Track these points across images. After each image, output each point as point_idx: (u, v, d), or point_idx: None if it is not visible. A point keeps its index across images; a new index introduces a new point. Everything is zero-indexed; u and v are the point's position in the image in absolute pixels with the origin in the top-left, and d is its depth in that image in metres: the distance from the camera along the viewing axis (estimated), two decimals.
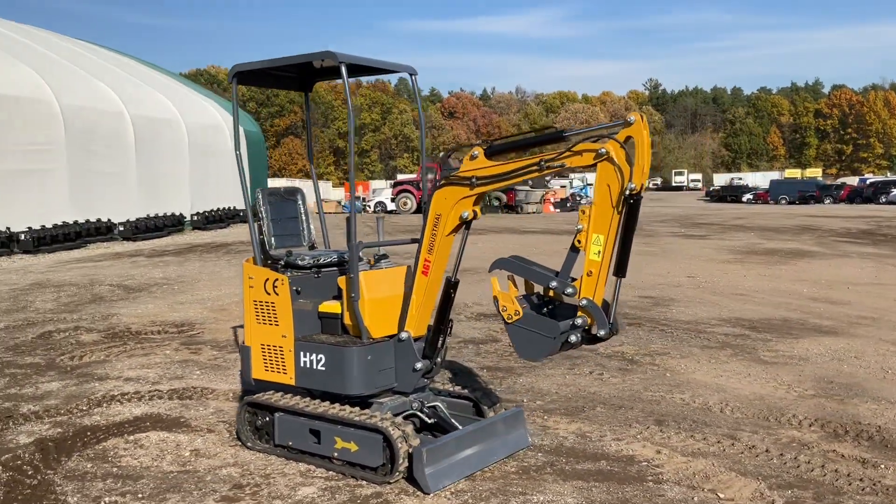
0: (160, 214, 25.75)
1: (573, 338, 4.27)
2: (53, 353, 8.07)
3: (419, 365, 4.78)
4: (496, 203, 43.21)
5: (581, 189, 56.27)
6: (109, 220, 23.19)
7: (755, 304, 10.71)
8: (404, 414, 4.92)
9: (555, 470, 4.70)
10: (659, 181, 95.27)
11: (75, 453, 5.04)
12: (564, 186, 56.13)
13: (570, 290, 4.30)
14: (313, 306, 5.08)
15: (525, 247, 19.67)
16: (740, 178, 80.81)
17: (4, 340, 8.70)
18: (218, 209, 29.27)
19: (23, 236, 19.02)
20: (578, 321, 4.26)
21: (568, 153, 4.25)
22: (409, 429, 4.53)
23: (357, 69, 5.17)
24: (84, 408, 6.07)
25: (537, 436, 5.30)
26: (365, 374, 4.73)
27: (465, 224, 4.68)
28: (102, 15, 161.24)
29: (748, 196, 58.54)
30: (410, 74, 5.43)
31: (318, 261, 5.22)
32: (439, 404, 5.10)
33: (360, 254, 5.37)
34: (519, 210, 42.80)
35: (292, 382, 4.98)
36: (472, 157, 4.60)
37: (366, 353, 4.73)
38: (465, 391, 5.30)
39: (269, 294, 5.07)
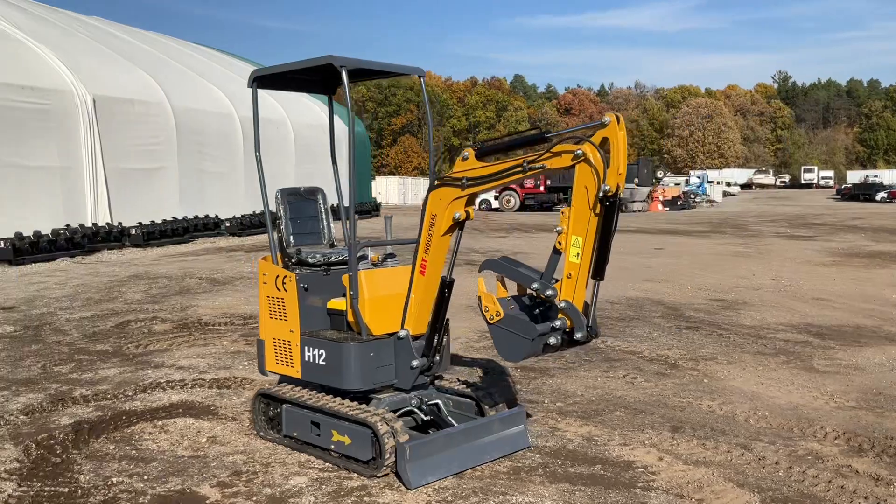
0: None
1: (553, 340, 4.25)
2: (124, 341, 8.63)
3: (415, 363, 4.86)
4: None
5: (698, 187, 54.37)
6: (217, 216, 24.37)
7: (832, 309, 10.16)
8: (402, 411, 5.02)
9: (546, 472, 4.67)
10: (787, 178, 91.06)
11: (104, 436, 5.41)
12: (679, 184, 54.52)
13: (549, 292, 4.28)
14: (322, 303, 5.25)
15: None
16: (875, 176, 75.88)
17: (85, 328, 9.37)
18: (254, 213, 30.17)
19: (133, 231, 20.29)
20: (557, 323, 4.24)
21: (548, 154, 4.23)
22: (398, 424, 4.62)
23: (363, 73, 5.29)
24: (129, 393, 6.48)
25: (543, 437, 5.28)
26: (362, 370, 4.85)
27: (458, 225, 4.73)
28: (211, 16, 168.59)
29: (882, 195, 54.66)
30: (419, 76, 5.51)
31: (328, 258, 5.39)
32: (440, 402, 5.18)
33: (371, 252, 5.53)
34: (623, 208, 41.96)
35: (298, 376, 5.17)
36: (464, 159, 4.64)
37: (363, 350, 4.86)
38: (468, 390, 5.34)
39: (279, 290, 5.28)
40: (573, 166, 4.15)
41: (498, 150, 4.57)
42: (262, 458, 4.95)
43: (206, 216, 23.85)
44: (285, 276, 5.23)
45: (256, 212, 26.38)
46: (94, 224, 19.53)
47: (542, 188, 44.47)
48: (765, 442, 5.16)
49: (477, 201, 48.60)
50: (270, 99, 30.39)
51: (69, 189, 19.92)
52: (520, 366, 7.24)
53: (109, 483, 4.56)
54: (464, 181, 4.58)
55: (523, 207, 44.22)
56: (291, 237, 5.70)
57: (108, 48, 24.96)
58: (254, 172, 24.98)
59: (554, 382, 6.68)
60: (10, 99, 18.45)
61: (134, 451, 5.10)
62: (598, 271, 4.19)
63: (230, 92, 27.79)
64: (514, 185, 44.97)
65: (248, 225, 24.86)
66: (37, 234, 16.97)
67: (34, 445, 5.17)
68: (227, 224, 24.33)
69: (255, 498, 4.33)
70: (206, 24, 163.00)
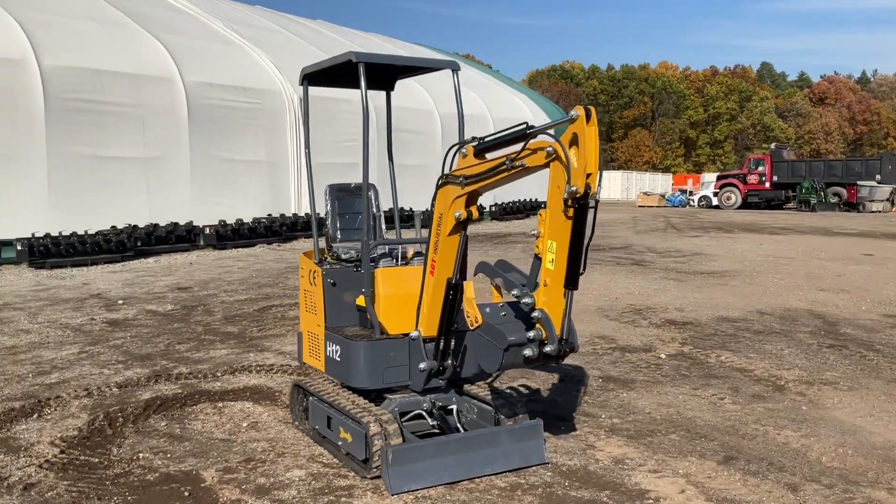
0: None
1: (528, 352, 3.95)
2: (254, 325, 9.21)
3: (423, 365, 4.72)
4: (834, 199, 38.75)
5: None
6: (410, 208, 25.27)
7: None
8: (412, 413, 4.90)
9: (544, 493, 4.36)
10: None
11: (165, 413, 5.82)
12: None
13: (526, 301, 3.97)
14: (353, 299, 5.26)
15: (813, 251, 17.59)
16: None
17: (231, 311, 10.13)
18: (517, 201, 30.26)
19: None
20: (531, 334, 3.93)
21: (527, 151, 3.92)
22: (393, 427, 4.52)
23: (398, 70, 5.21)
24: (219, 374, 6.92)
25: (570, 454, 4.92)
26: (370, 369, 4.81)
27: (461, 225, 4.54)
28: (450, 15, 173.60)
29: None
30: (453, 70, 5.33)
31: (360, 255, 5.39)
32: (458, 408, 5.00)
33: (410, 249, 5.46)
34: (861, 208, 37.92)
35: (323, 369, 5.23)
36: (463, 156, 4.44)
37: (372, 349, 4.81)
38: (488, 398, 5.10)
39: (311, 284, 5.37)
40: (548, 164, 3.81)
41: (492, 147, 4.31)
42: (281, 448, 5.08)
43: (401, 209, 24.76)
44: (314, 271, 5.31)
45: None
46: (293, 214, 21.04)
47: (766, 184, 41.28)
48: (822, 484, 4.44)
49: (696, 197, 46.28)
50: (473, 95, 30.92)
51: (274, 181, 21.61)
52: (606, 375, 6.81)
53: (134, 458, 4.90)
54: (461, 179, 4.38)
55: (746, 205, 41.33)
56: (338, 232, 5.77)
57: (319, 49, 26.70)
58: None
59: (627, 396, 6.20)
60: (226, 99, 20.34)
61: (178, 430, 5.44)
62: (570, 280, 3.81)
63: (432, 89, 28.64)
64: (734, 181, 42.24)
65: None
66: (238, 222, 18.61)
67: (101, 417, 5.68)
68: (421, 217, 25.10)
69: (244, 486, 4.45)
70: (442, 24, 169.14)
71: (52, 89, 16.45)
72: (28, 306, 10.62)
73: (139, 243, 16.41)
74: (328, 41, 29.02)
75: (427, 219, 4.96)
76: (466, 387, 5.22)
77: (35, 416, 5.74)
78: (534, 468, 4.69)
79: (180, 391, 6.38)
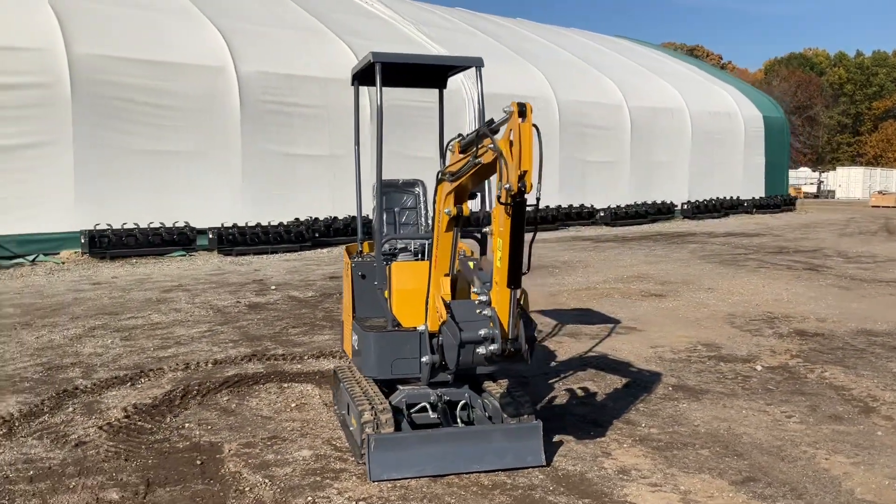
0: (648, 202, 26.54)
1: (481, 350, 3.91)
2: None
3: (425, 359, 4.79)
4: None
5: None
6: (592, 205, 24.89)
7: None
8: (418, 406, 4.98)
9: (523, 495, 4.28)
10: None
11: (234, 389, 6.34)
12: None
13: (482, 298, 3.93)
14: (379, 291, 5.44)
15: None
16: None
17: (329, 302, 10.66)
18: (714, 199, 28.73)
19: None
20: (482, 332, 3.88)
21: (483, 149, 3.87)
22: (386, 417, 4.64)
23: (418, 68, 5.29)
24: (305, 357, 7.39)
25: (577, 459, 4.77)
26: (379, 360, 4.95)
27: (453, 221, 4.56)
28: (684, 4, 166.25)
29: None
30: (476, 67, 5.31)
31: (393, 248, 5.55)
32: (465, 402, 5.01)
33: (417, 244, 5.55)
34: None
35: (350, 357, 5.46)
36: (451, 153, 4.46)
37: (381, 340, 4.95)
38: (497, 396, 5.05)
39: (346, 277, 5.62)
40: (495, 161, 3.75)
41: (469, 144, 4.29)
42: (308, 429, 5.37)
43: (582, 205, 24.50)
44: (347, 264, 5.55)
45: (639, 202, 26.26)
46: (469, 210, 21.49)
47: None
48: None
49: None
50: (667, 87, 29.80)
51: None
52: (678, 383, 6.45)
53: (179, 427, 5.42)
54: (448, 176, 4.41)
55: None
56: (385, 227, 5.96)
57: (508, 48, 26.99)
58: (640, 163, 25.23)
59: (685, 407, 5.84)
60: (410, 100, 21.22)
61: (234, 406, 5.92)
62: (512, 278, 3.72)
63: (622, 83, 27.95)
64: None
65: (622, 216, 24.89)
66: None
67: (180, 389, 6.31)
68: (602, 214, 24.67)
69: (250, 460, 4.78)
70: (672, 13, 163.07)
71: (248, 93, 18.11)
72: (196, 288, 11.86)
73: (317, 234, 17.62)
74: (520, 39, 29.28)
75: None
76: (488, 384, 5.22)
77: (129, 384, 6.49)
78: (529, 469, 4.61)
79: (262, 371, 6.90)
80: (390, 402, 4.93)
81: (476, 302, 4.27)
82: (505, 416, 4.87)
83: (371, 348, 4.97)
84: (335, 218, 18.38)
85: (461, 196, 4.48)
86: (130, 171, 16.55)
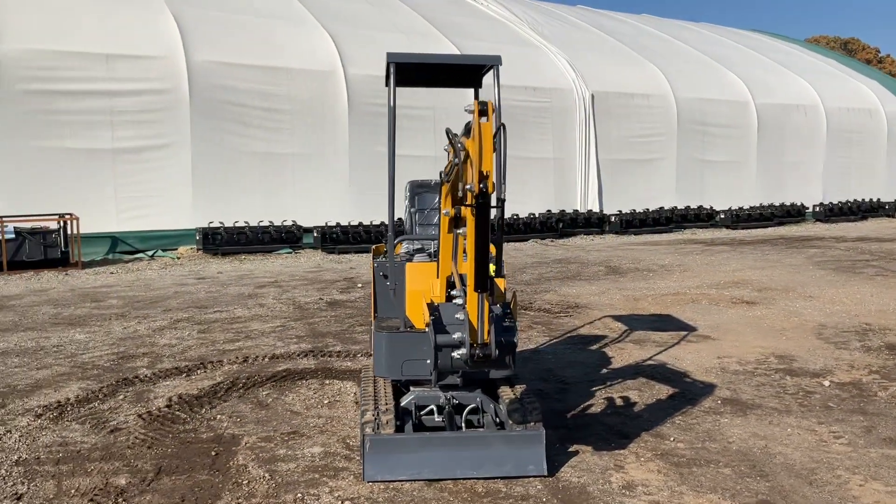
0: (775, 204, 25.16)
1: (456, 354, 3.82)
2: None
3: (430, 361, 4.74)
4: None
5: None
6: (711, 207, 23.85)
7: None
8: (427, 408, 4.93)
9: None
10: None
11: (277, 384, 6.51)
12: None
13: (458, 302, 3.83)
14: (391, 292, 5.43)
15: None
16: None
17: None
18: (850, 201, 26.83)
19: (613, 218, 21.31)
20: (456, 336, 3.79)
21: (454, 148, 3.78)
22: (387, 418, 4.63)
23: (432, 67, 5.23)
24: (358, 356, 7.47)
25: (585, 471, 4.58)
26: (389, 360, 4.95)
27: (452, 222, 4.49)
28: None
29: None
30: (494, 66, 5.18)
31: (409, 250, 5.53)
32: (474, 406, 4.92)
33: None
34: None
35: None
36: (447, 153, 4.39)
37: (391, 340, 4.94)
38: (506, 401, 4.91)
39: (372, 277, 5.64)
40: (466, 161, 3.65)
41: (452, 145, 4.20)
42: (328, 426, 5.43)
43: (700, 207, 23.54)
44: (371, 265, 5.57)
45: (765, 204, 24.96)
46: (573, 210, 21.14)
47: None
48: None
49: None
50: (800, 82, 28.15)
51: (561, 178, 21.91)
52: (730, 398, 6.08)
53: (212, 418, 5.62)
54: (444, 177, 4.35)
55: None
56: (417, 227, 5.95)
57: (621, 43, 26.30)
58: (768, 162, 24.09)
59: (726, 422, 5.48)
60: (515, 99, 21.12)
61: (270, 400, 6.08)
62: (478, 282, 3.60)
63: (750, 79, 26.63)
64: None
65: (744, 218, 23.70)
66: (512, 218, 19.26)
67: (227, 382, 6.54)
68: (722, 216, 23.59)
69: (261, 454, 4.89)
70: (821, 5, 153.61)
71: (356, 96, 18.58)
72: (288, 284, 12.28)
73: None
74: (640, 35, 28.48)
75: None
76: (503, 389, 5.10)
77: (184, 375, 6.80)
78: (530, 479, 4.47)
79: (312, 367, 7.05)
80: (400, 404, 4.92)
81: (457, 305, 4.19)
82: (510, 422, 4.74)
83: (382, 348, 4.97)
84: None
85: (455, 197, 4.40)
86: (243, 171, 17.35)
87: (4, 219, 14.11)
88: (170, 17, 17.38)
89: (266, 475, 4.55)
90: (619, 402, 5.97)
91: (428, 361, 4.69)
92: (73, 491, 4.35)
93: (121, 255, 16.02)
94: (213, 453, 4.92)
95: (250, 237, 16.51)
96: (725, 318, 9.23)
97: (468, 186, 3.49)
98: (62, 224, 14.65)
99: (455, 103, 19.53)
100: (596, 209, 21.79)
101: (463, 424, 4.83)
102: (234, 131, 17.31)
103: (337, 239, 16.79)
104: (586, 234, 20.69)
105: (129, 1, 17.59)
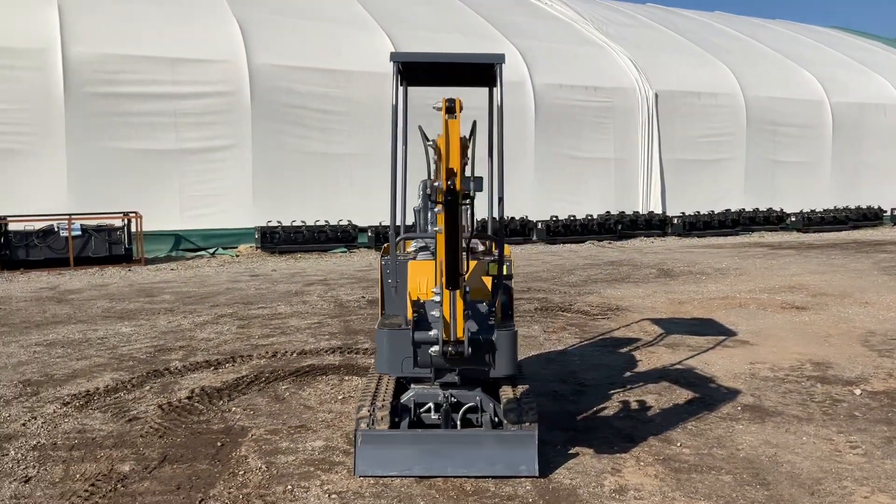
0: (850, 207, 24.21)
1: (431, 350, 3.81)
2: None
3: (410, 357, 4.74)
4: None
5: None
6: (782, 209, 23.12)
7: None
8: (426, 406, 4.93)
9: None
10: None
11: (298, 378, 6.62)
12: None
13: (435, 299, 3.83)
14: (393, 290, 5.44)
15: None
16: None
17: None
18: None
19: (675, 220, 20.87)
20: (431, 333, 3.79)
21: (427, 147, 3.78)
22: (382, 414, 4.66)
23: (439, 67, 5.22)
24: None
25: (580, 474, 4.52)
26: (389, 357, 4.95)
27: None
28: None
29: None
30: (497, 64, 5.14)
31: (417, 247, 5.54)
32: (473, 405, 4.89)
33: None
34: None
35: None
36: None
37: (391, 337, 4.96)
38: (503, 401, 4.87)
39: (379, 275, 5.69)
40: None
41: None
42: (336, 421, 5.50)
43: (769, 209, 22.83)
44: (380, 263, 5.62)
45: (840, 206, 24.05)
46: (633, 212, 20.78)
47: None
48: None
49: None
50: (880, 80, 27.01)
51: (622, 179, 21.58)
52: (751, 405, 5.90)
53: (227, 410, 5.76)
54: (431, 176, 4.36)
55: None
56: (430, 226, 5.96)
57: (690, 41, 25.72)
58: (844, 164, 23.29)
59: (740, 429, 5.31)
60: (575, 99, 20.94)
61: (287, 395, 6.19)
62: (448, 280, 3.58)
63: (825, 77, 25.69)
64: None
65: (817, 221, 22.87)
66: (570, 218, 19.08)
67: (251, 376, 6.69)
68: (793, 219, 22.84)
69: (264, 446, 4.99)
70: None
71: (411, 97, 18.67)
72: (336, 283, 12.48)
73: None
74: (710, 33, 27.81)
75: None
76: (505, 388, 5.07)
77: (212, 368, 6.99)
78: (521, 479, 4.43)
79: (336, 363, 7.15)
80: (400, 401, 4.95)
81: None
82: (505, 421, 4.71)
83: (383, 345, 4.99)
84: (493, 219, 18.48)
85: None
86: (302, 172, 17.70)
87: (72, 217, 14.76)
88: (234, 22, 17.88)
89: (263, 467, 4.65)
90: (634, 405, 5.86)
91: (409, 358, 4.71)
92: (77, 476, 4.53)
93: (183, 252, 16.55)
94: (219, 444, 5.05)
95: (307, 236, 16.82)
96: (770, 323, 8.94)
97: (436, 184, 3.50)
98: (126, 222, 15.24)
99: (505, 104, 19.49)
100: (658, 211, 21.38)
101: (458, 423, 4.82)
102: (293, 133, 17.68)
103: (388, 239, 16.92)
104: (647, 236, 20.31)
105: (195, 6, 18.17)
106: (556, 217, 18.97)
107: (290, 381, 6.55)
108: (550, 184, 20.22)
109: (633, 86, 21.82)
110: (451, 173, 3.45)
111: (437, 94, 5.34)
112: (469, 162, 4.04)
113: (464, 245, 5.00)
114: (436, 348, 3.82)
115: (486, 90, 6.05)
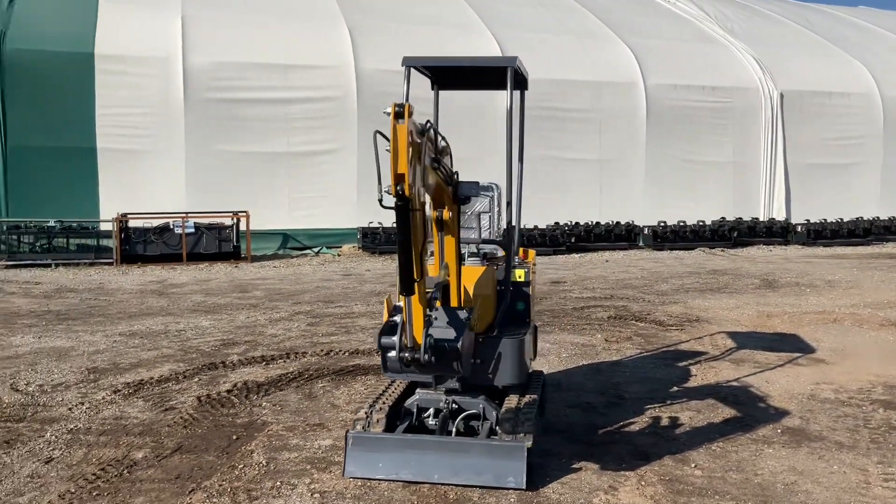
0: None
1: (390, 355, 3.80)
2: (555, 320, 9.48)
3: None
4: None
5: None
6: (840, 219, 21.33)
7: None
8: (430, 410, 4.90)
9: None
10: None
11: (336, 378, 6.74)
12: None
13: (398, 304, 3.80)
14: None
15: None
16: None
17: (558, 307, 10.52)
18: None
19: (799, 228, 19.68)
20: (394, 338, 3.75)
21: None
22: (378, 417, 4.68)
23: (454, 70, 5.17)
24: None
25: (573, 490, 4.36)
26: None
27: (437, 224, 4.45)
28: None
29: None
30: (508, 67, 5.03)
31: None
32: (475, 412, 4.82)
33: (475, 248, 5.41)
34: None
35: None
36: None
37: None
38: (502, 410, 4.76)
39: None
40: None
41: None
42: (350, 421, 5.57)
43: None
44: None
45: None
46: (752, 218, 19.75)
47: None
48: None
49: None
50: None
51: (741, 184, 20.57)
52: (795, 427, 5.49)
53: (256, 405, 5.95)
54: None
55: None
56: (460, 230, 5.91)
57: (824, 39, 24.17)
58: None
59: (768, 453, 4.95)
60: (690, 99, 20.16)
61: (321, 392, 6.31)
62: (403, 285, 3.53)
63: (877, 70, 23.46)
64: None
65: None
66: (679, 224, 18.38)
67: (294, 373, 6.87)
68: None
69: (274, 443, 5.12)
70: None
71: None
72: None
73: (573, 239, 17.54)
74: (848, 29, 26.04)
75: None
76: (512, 397, 4.96)
77: (264, 364, 7.24)
78: (508, 491, 4.33)
79: (371, 364, 7.23)
80: (405, 404, 4.95)
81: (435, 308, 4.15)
82: (500, 431, 4.62)
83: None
84: (597, 223, 18.11)
85: (435, 201, 4.37)
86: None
87: (188, 215, 15.68)
88: (344, 28, 18.42)
89: (263, 462, 4.77)
90: (665, 421, 5.59)
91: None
92: (94, 460, 4.81)
93: (289, 250, 17.22)
94: (235, 437, 5.22)
95: None
96: (858, 342, 8.29)
97: (386, 189, 3.48)
98: (235, 221, 16.01)
99: (618, 105, 19.07)
100: (781, 217, 20.23)
101: (453, 429, 4.76)
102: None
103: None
104: (766, 244, 19.26)
105: (310, 14, 18.86)
106: (664, 222, 18.32)
107: (330, 379, 6.68)
108: (661, 188, 19.57)
109: (755, 85, 20.76)
110: (399, 178, 3.42)
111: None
112: (441, 164, 3.99)
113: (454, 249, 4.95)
114: (393, 353, 3.80)
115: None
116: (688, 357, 7.60)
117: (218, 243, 15.68)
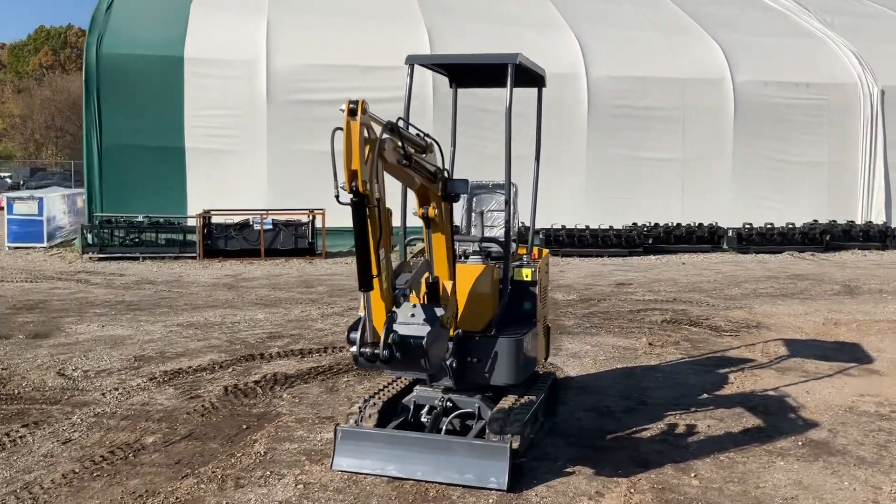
0: None
1: (351, 350, 3.83)
2: (605, 322, 9.29)
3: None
4: None
5: None
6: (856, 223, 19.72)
7: None
8: (428, 407, 4.91)
9: None
10: None
11: (361, 373, 6.82)
12: None
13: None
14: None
15: None
16: None
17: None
18: None
19: None
20: (355, 335, 3.78)
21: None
22: (371, 412, 4.73)
23: (458, 68, 5.14)
24: None
25: (558, 493, 4.29)
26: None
27: (425, 222, 4.47)
28: None
29: None
30: (510, 64, 4.96)
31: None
32: (469, 411, 4.81)
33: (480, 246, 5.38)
34: None
35: None
36: None
37: None
38: (494, 409, 4.70)
39: None
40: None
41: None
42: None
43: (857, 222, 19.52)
44: None
45: None
46: (847, 221, 18.69)
47: None
48: None
49: None
50: None
51: (836, 185, 19.54)
52: (821, 441, 5.21)
53: (277, 397, 6.11)
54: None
55: None
56: (473, 228, 5.90)
57: None
58: None
59: (779, 466, 4.71)
60: (781, 96, 19.30)
61: (342, 387, 6.41)
62: (361, 281, 3.55)
63: None
64: None
65: None
66: (767, 227, 17.61)
67: (325, 367, 7.01)
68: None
69: (280, 434, 5.24)
70: None
71: (596, 98, 18.34)
72: None
73: (651, 241, 17.08)
74: None
75: None
76: (508, 397, 4.91)
77: (299, 357, 7.42)
78: (489, 492, 4.30)
79: None
80: (403, 401, 4.99)
81: (413, 305, 4.17)
82: (488, 431, 4.58)
83: None
84: (678, 224, 17.57)
85: (420, 198, 4.38)
86: (475, 173, 17.92)
87: (267, 212, 16.19)
88: (423, 28, 18.57)
89: (262, 452, 4.90)
90: (680, 429, 5.41)
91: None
92: (107, 442, 5.06)
93: None
94: (244, 427, 5.38)
95: None
96: None
97: (341, 186, 3.51)
98: (311, 218, 16.41)
99: (701, 103, 18.47)
100: (880, 221, 19.09)
101: (443, 427, 4.75)
102: (469, 134, 17.98)
103: (560, 242, 16.68)
104: (861, 248, 18.19)
105: (390, 15, 19.11)
106: (750, 225, 17.58)
107: (356, 374, 6.77)
108: (748, 189, 18.79)
109: (853, 81, 19.66)
110: (353, 175, 3.45)
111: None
112: (415, 162, 4.00)
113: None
114: (353, 349, 3.83)
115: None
116: (731, 364, 7.30)
117: (294, 239, 16.11)
